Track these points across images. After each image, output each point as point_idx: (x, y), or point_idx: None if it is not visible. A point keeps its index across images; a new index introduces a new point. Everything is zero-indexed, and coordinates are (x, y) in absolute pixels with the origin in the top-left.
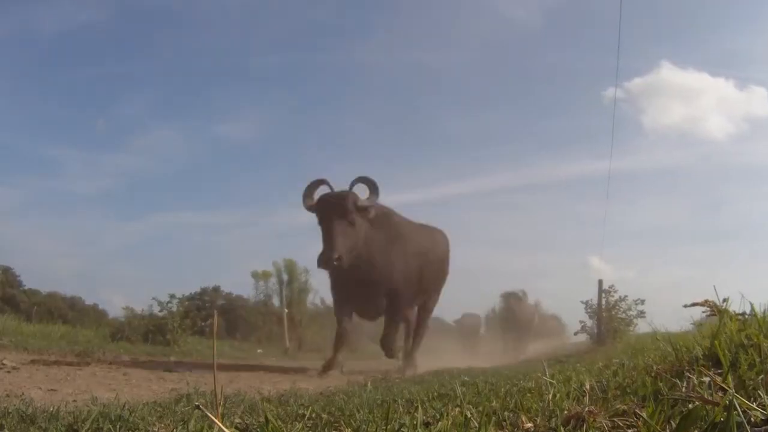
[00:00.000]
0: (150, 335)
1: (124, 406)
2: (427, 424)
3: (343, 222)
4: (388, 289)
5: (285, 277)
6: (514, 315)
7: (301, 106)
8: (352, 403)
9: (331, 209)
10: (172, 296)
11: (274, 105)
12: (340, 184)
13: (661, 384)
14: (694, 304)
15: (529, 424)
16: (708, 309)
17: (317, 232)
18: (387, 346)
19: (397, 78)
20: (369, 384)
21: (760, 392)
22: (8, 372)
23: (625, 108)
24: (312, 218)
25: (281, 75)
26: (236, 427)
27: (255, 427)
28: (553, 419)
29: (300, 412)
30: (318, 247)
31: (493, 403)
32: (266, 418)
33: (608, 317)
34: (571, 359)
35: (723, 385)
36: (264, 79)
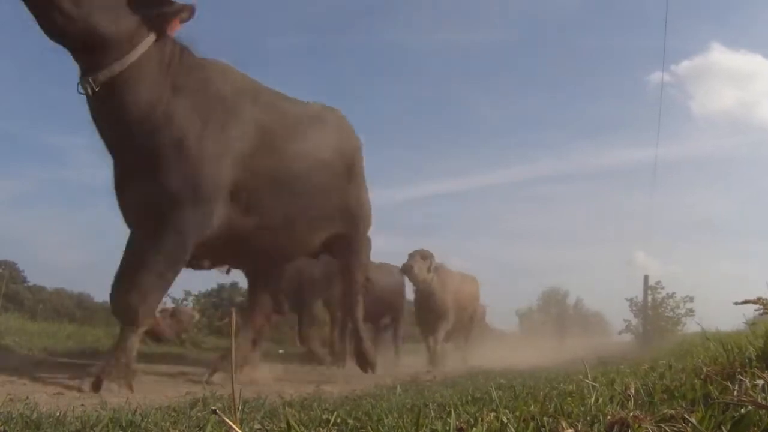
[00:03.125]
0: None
1: (135, 410)
2: (460, 430)
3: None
4: None
5: None
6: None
7: (325, 90)
8: (379, 407)
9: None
10: (188, 293)
11: (295, 89)
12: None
13: (711, 387)
14: (745, 302)
15: (570, 430)
16: (761, 307)
17: None
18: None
19: (428, 60)
20: (398, 387)
21: None
22: (12, 374)
23: (673, 93)
24: None
25: (304, 57)
26: None
27: None
28: (596, 425)
29: (324, 417)
30: None
31: (531, 408)
32: (288, 423)
33: (655, 315)
34: (615, 360)
35: None
36: (285, 61)
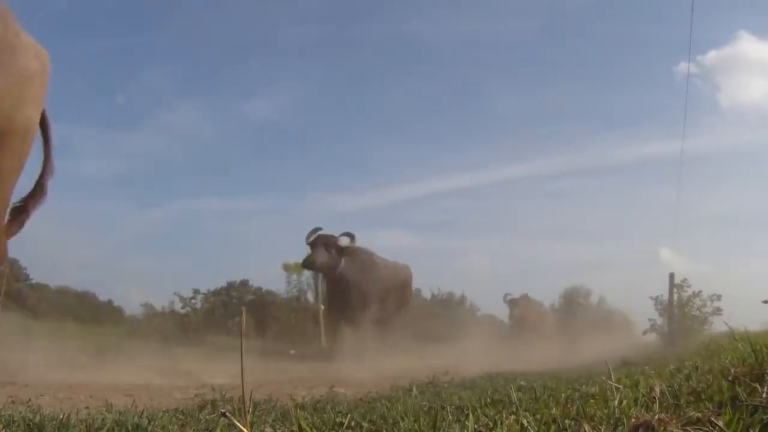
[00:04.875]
0: (171, 334)
1: (142, 413)
2: None
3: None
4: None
5: None
6: None
7: (340, 82)
8: (395, 410)
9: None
10: (196, 291)
11: (309, 80)
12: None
13: (739, 389)
14: None
15: None
16: None
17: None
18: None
19: (446, 50)
20: (414, 389)
21: None
22: (13, 376)
23: (699, 84)
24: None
25: (317, 47)
26: None
27: None
28: (620, 428)
29: (338, 420)
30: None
31: (553, 411)
32: (300, 426)
33: (681, 315)
34: (640, 361)
35: None
36: (298, 51)
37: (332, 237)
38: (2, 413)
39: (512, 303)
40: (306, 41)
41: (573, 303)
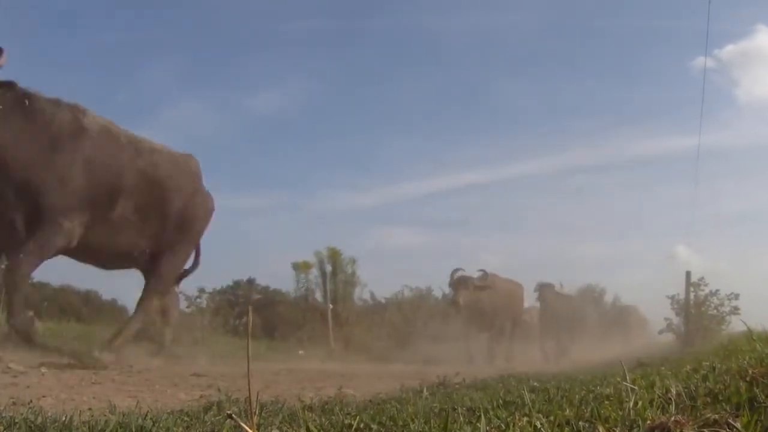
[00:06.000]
0: (175, 334)
1: (146, 415)
2: None
3: None
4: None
5: (328, 268)
6: None
7: (347, 76)
8: (405, 411)
9: None
10: (201, 290)
11: (315, 75)
12: None
13: (757, 390)
14: None
15: None
16: None
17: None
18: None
19: (456, 44)
20: (425, 390)
21: None
22: (14, 377)
23: (716, 78)
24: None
25: (324, 41)
26: None
27: None
28: (635, 430)
29: (346, 422)
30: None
31: (566, 412)
32: (308, 428)
33: (697, 314)
34: (655, 361)
35: None
36: (305, 45)
37: None
38: (3, 415)
39: (459, 283)
40: (312, 35)
41: (546, 295)
